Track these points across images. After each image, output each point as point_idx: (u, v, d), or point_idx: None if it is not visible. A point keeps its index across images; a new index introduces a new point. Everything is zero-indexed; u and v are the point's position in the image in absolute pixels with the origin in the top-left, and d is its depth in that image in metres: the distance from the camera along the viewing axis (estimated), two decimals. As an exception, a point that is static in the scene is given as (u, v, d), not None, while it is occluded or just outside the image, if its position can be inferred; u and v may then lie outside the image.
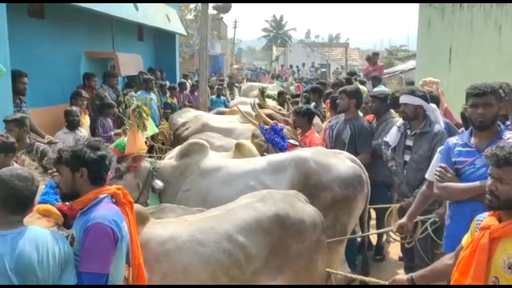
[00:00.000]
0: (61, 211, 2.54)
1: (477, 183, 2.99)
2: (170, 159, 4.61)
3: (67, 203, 2.58)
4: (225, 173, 4.16)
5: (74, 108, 6.26)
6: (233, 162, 4.36)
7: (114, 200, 2.49)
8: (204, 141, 4.51)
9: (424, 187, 3.48)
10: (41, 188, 2.65)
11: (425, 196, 3.48)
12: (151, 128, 4.64)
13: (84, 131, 6.35)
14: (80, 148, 2.40)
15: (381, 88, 8.81)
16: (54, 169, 2.74)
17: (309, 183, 4.03)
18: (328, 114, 6.91)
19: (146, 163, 4.21)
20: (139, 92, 8.88)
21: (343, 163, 4.21)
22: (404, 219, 3.64)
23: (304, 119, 5.59)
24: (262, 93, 9.87)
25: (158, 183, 4.12)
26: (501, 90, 3.21)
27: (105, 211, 2.35)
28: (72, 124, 6.06)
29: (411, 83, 10.02)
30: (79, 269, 2.24)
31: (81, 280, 2.23)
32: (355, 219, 4.28)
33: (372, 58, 11.66)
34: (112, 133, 7.07)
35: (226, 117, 8.17)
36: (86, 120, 6.79)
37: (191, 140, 4.61)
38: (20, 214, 2.17)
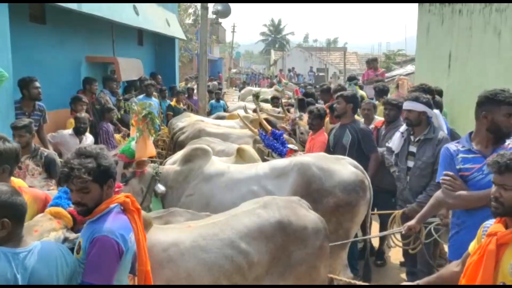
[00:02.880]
0: (72, 215, 2.55)
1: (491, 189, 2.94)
2: (173, 164, 4.61)
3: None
4: (228, 178, 4.16)
5: (83, 114, 6.33)
6: (236, 167, 4.36)
7: (123, 207, 2.50)
8: (207, 146, 4.52)
9: (439, 192, 3.28)
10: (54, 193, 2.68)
11: (439, 202, 3.31)
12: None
13: (90, 137, 6.41)
14: (107, 161, 2.40)
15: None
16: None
17: (311, 189, 4.04)
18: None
19: (149, 168, 4.22)
20: (140, 97, 8.91)
21: (346, 168, 4.21)
22: (413, 221, 3.56)
23: (322, 121, 5.65)
24: (257, 97, 9.86)
25: (161, 188, 4.13)
26: None
27: (112, 224, 2.35)
28: (78, 131, 6.17)
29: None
30: (83, 279, 2.26)
31: None
32: (357, 225, 4.27)
33: (372, 63, 11.67)
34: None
35: (226, 121, 8.19)
36: None
37: (194, 145, 4.62)
38: (22, 228, 2.18)
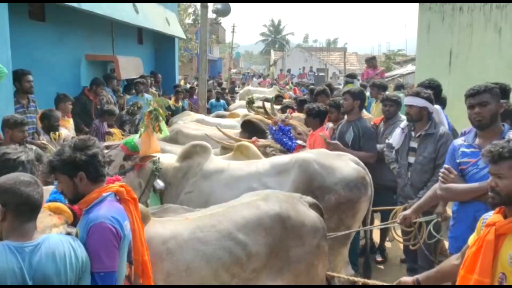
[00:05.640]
0: (72, 210, 2.54)
1: (479, 183, 3.00)
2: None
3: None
4: (228, 175, 4.13)
5: (55, 112, 5.89)
6: (236, 164, 4.32)
7: (118, 197, 2.47)
8: (206, 143, 4.49)
9: (436, 184, 3.40)
10: (51, 188, 2.65)
11: (435, 193, 3.39)
12: (164, 132, 4.61)
13: (68, 133, 5.99)
14: (69, 154, 2.34)
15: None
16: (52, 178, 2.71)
17: (313, 186, 4.00)
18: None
19: (149, 163, 4.20)
20: (131, 97, 8.88)
21: (347, 165, 4.17)
22: (409, 211, 3.64)
23: (316, 120, 5.57)
24: (252, 102, 9.80)
25: (159, 183, 4.11)
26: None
27: (107, 210, 2.32)
28: (52, 128, 5.67)
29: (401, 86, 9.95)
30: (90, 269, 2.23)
31: (94, 280, 2.22)
32: (359, 221, 4.24)
33: (371, 62, 11.66)
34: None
35: (227, 120, 8.18)
36: (70, 123, 6.60)
37: (193, 142, 4.59)
38: (33, 221, 2.11)
